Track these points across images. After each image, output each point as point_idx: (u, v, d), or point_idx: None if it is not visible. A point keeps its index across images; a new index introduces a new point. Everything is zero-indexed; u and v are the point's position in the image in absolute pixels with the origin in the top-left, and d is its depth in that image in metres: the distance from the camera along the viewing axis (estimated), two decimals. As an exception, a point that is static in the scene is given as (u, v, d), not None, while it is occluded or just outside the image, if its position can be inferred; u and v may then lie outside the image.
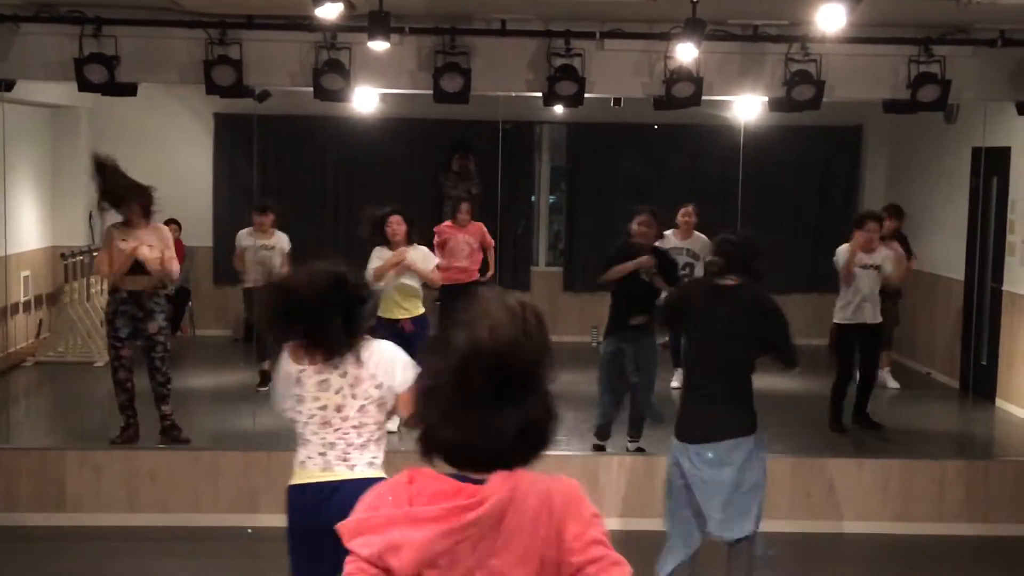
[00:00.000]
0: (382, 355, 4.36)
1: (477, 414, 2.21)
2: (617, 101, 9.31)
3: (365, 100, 9.71)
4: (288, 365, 4.38)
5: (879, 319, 8.95)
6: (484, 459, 2.23)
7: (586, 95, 8.16)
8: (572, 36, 8.11)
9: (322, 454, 4.34)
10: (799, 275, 12.29)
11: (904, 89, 8.19)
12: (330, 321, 4.19)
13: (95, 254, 10.34)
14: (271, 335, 4.45)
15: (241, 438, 8.40)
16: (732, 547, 5.74)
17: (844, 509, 7.87)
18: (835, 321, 8.95)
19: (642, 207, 7.89)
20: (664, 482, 5.92)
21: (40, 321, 11.52)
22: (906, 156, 12.56)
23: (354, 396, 4.30)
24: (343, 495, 4.05)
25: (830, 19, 6.75)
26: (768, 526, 7.72)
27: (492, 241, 10.35)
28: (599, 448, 8.05)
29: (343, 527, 2.26)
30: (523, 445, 2.25)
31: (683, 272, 9.03)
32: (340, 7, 6.94)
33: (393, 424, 6.11)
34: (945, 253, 11.34)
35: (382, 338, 4.53)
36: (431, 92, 8.09)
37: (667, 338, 9.39)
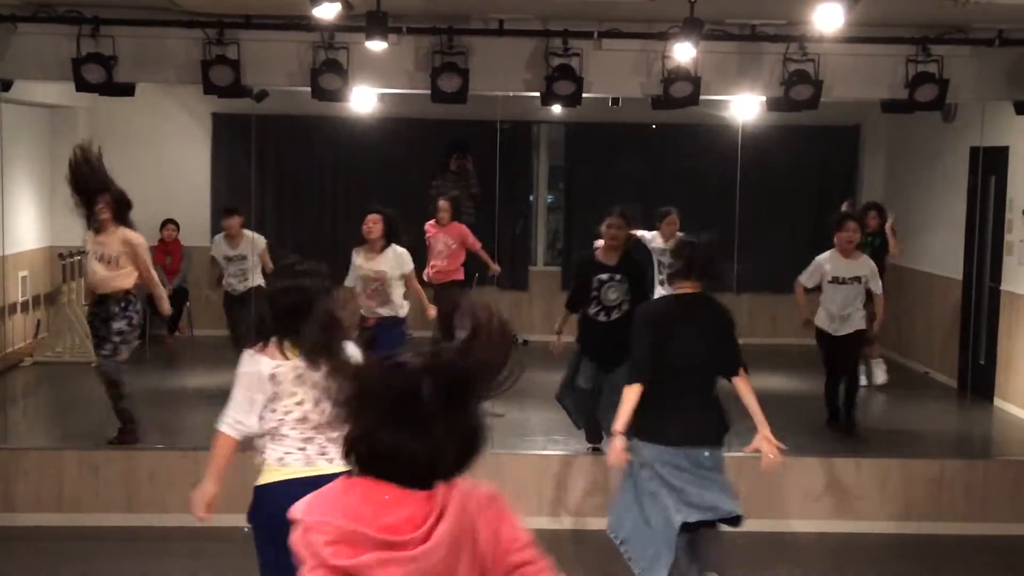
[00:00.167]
0: (349, 356, 4.44)
1: (422, 422, 2.22)
2: (615, 101, 9.32)
3: (363, 100, 9.71)
4: (259, 364, 4.43)
5: (858, 327, 8.78)
6: (423, 469, 2.25)
7: (584, 95, 8.16)
8: (570, 36, 8.12)
9: (301, 449, 4.38)
10: (797, 274, 12.25)
11: (902, 89, 8.19)
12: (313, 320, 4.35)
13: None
14: (259, 334, 4.52)
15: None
16: (709, 530, 5.92)
17: (843, 508, 7.87)
18: (815, 323, 8.94)
19: (612, 209, 7.85)
20: (622, 491, 5.92)
21: (38, 321, 11.52)
22: (904, 156, 12.56)
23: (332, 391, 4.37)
24: None
25: (828, 19, 6.75)
26: (767, 526, 7.76)
27: (477, 243, 10.42)
28: (596, 450, 8.00)
29: (318, 527, 2.23)
30: (463, 454, 2.28)
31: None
32: (338, 7, 6.93)
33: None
34: (943, 252, 11.35)
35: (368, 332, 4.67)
36: (429, 92, 8.09)
37: None
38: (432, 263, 10.23)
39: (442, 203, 10.36)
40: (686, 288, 5.79)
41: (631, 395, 5.65)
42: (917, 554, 7.55)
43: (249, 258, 10.10)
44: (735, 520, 5.81)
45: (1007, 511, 7.92)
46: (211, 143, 12.83)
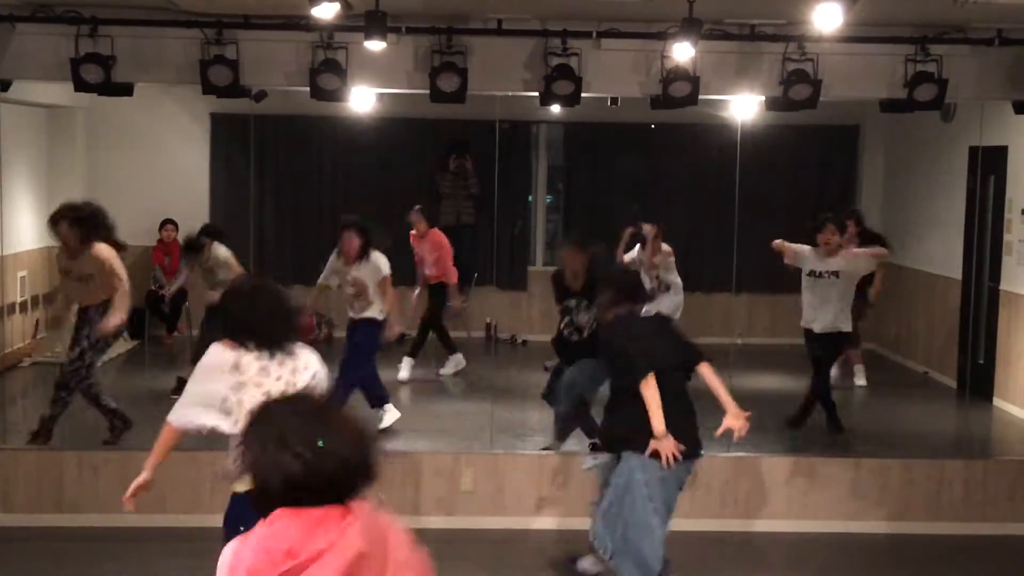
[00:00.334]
0: (309, 356, 4.63)
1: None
2: (614, 100, 9.31)
3: (362, 100, 9.70)
4: (221, 355, 4.53)
5: (836, 329, 8.80)
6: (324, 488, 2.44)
7: (583, 94, 8.15)
8: (569, 35, 8.11)
9: None
10: (796, 274, 12.25)
11: (901, 88, 8.19)
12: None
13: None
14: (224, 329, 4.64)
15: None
16: None
17: (842, 508, 7.87)
18: (801, 324, 9.01)
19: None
20: (640, 503, 5.92)
21: (37, 321, 11.51)
22: (903, 155, 12.56)
23: (295, 385, 4.42)
24: None
25: (827, 18, 6.74)
26: (767, 526, 7.76)
27: (449, 255, 10.79)
28: (596, 448, 8.01)
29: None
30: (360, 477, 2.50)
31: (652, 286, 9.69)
32: (337, 7, 6.92)
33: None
34: (942, 252, 11.35)
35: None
36: (428, 92, 8.08)
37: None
38: (422, 268, 10.85)
39: (412, 217, 10.81)
40: (632, 309, 6.16)
41: (650, 392, 5.70)
42: (916, 554, 7.55)
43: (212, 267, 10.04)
44: None
45: (1006, 511, 7.92)
46: (210, 143, 12.82)
